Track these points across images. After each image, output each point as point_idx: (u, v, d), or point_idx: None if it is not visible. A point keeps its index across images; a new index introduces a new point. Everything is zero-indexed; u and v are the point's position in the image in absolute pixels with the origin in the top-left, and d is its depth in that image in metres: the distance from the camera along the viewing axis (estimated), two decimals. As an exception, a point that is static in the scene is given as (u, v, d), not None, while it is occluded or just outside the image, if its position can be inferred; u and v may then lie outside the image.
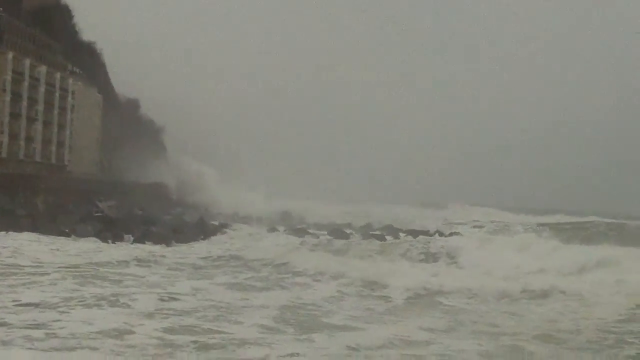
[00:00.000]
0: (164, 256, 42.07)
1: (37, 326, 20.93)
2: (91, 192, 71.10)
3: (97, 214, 60.21)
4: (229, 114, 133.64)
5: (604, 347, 20.89)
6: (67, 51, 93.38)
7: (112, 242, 49.65)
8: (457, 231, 67.26)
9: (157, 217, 65.02)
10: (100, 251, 43.45)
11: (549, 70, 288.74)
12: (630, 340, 21.64)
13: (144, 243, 49.87)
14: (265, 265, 38.52)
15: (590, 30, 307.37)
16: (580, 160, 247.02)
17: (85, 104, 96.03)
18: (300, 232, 66.33)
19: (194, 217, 68.68)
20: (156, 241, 50.53)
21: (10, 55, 75.81)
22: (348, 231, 67.77)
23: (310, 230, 68.50)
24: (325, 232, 65.77)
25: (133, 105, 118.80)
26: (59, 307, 23.99)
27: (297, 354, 18.98)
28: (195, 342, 19.98)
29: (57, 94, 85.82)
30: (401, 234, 63.55)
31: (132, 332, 20.64)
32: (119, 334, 20.37)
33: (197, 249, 48.68)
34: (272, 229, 68.55)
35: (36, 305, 24.08)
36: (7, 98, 75.50)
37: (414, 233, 62.54)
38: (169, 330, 21.20)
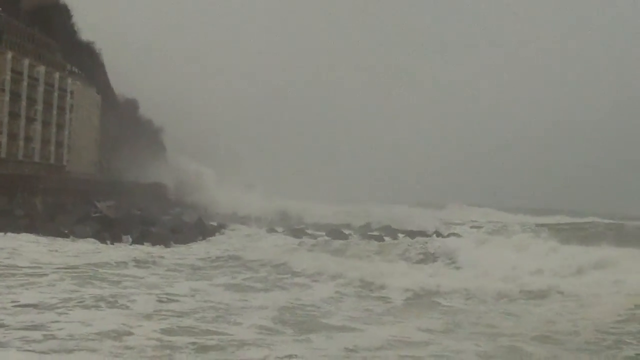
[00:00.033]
0: (162, 257, 42.06)
1: (35, 327, 20.94)
2: (90, 193, 70.99)
3: (95, 215, 60.13)
4: (229, 114, 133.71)
5: (602, 348, 20.91)
6: (65, 51, 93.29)
7: (111, 243, 49.67)
8: (455, 232, 67.35)
9: (155, 218, 65.02)
10: (98, 252, 43.45)
11: (549, 70, 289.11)
12: (628, 341, 21.67)
13: (142, 244, 49.89)
14: (264, 265, 38.54)
15: (590, 30, 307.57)
16: (579, 160, 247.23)
17: (84, 104, 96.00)
18: (298, 232, 66.38)
19: (193, 218, 68.63)
20: (155, 242, 50.54)
21: (9, 55, 75.74)
22: (347, 232, 67.79)
23: (308, 231, 68.55)
24: (324, 233, 65.80)
25: (132, 105, 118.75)
26: (58, 308, 24.00)
27: (296, 356, 19.00)
28: (194, 343, 20.00)
29: (56, 94, 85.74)
30: (400, 235, 63.55)
31: (130, 334, 20.64)
32: (117, 335, 20.37)
33: (196, 250, 48.70)
34: (271, 230, 68.60)
35: (34, 306, 24.09)
36: (6, 98, 75.40)
37: (413, 234, 62.61)
38: (168, 332, 21.21)
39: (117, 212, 63.02)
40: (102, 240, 50.12)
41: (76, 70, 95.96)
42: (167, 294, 27.97)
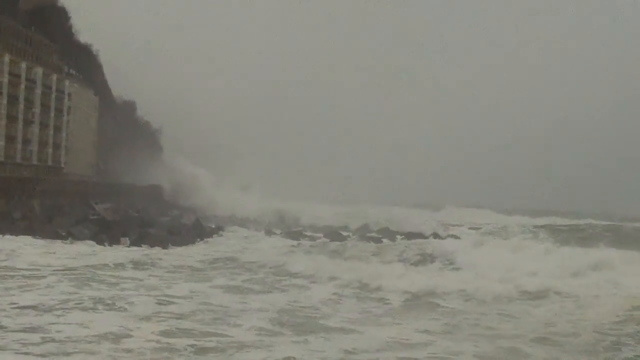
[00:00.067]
0: (160, 259, 42.00)
1: (33, 330, 20.89)
2: (87, 194, 71.03)
3: (93, 217, 60.07)
4: (228, 114, 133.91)
5: (600, 350, 20.93)
6: (63, 53, 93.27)
7: (109, 245, 49.56)
8: (453, 233, 67.36)
9: (153, 220, 64.96)
10: (96, 254, 43.38)
11: (549, 70, 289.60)
12: (627, 342, 21.69)
13: (140, 246, 49.80)
14: (262, 267, 38.51)
15: (590, 30, 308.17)
16: (579, 160, 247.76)
17: (81, 106, 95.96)
18: (297, 234, 66.38)
19: (191, 220, 68.62)
20: (153, 244, 50.46)
21: (6, 57, 75.65)
22: (345, 233, 67.77)
23: (307, 233, 68.53)
24: (322, 235, 65.81)
25: (130, 107, 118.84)
26: (56, 310, 23.96)
27: (294, 358, 18.99)
28: (193, 345, 19.98)
29: (53, 96, 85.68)
30: (398, 236, 63.56)
31: (129, 336, 20.62)
32: (116, 337, 20.34)
33: (194, 252, 48.61)
34: (269, 232, 68.57)
35: (33, 308, 24.04)
36: (4, 100, 75.31)
37: (411, 235, 62.58)
38: (167, 334, 21.18)
39: (115, 214, 62.96)
40: (100, 242, 50.04)
41: (74, 72, 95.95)
42: (165, 295, 27.95)
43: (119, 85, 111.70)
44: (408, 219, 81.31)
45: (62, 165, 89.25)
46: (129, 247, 49.56)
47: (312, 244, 54.40)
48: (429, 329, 23.45)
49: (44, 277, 31.73)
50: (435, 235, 62.44)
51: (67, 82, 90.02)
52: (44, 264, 36.34)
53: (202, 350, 19.52)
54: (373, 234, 66.88)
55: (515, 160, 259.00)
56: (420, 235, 62.46)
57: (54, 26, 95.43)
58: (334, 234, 65.71)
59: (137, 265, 38.39)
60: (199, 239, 57.43)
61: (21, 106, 78.71)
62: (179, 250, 49.37)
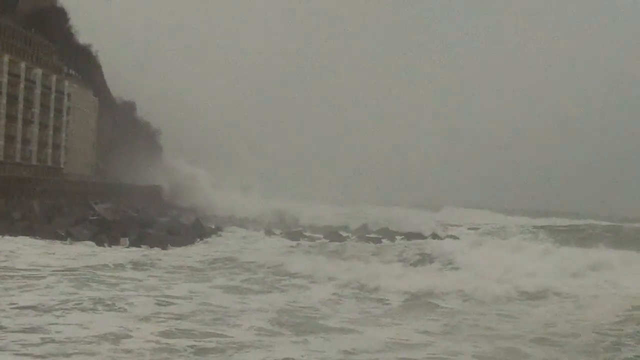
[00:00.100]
0: (160, 259, 41.98)
1: (33, 330, 20.87)
2: (87, 195, 71.06)
3: (93, 217, 60.10)
4: (228, 114, 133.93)
5: (600, 350, 20.94)
6: (63, 53, 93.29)
7: (108, 245, 49.56)
8: (452, 233, 67.39)
9: (152, 220, 64.99)
10: (96, 254, 43.38)
11: (549, 70, 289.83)
12: (627, 342, 21.69)
13: (140, 246, 49.81)
14: (262, 267, 38.51)
15: (590, 30, 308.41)
16: (579, 160, 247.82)
17: (81, 107, 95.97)
18: (296, 234, 66.39)
19: (190, 220, 68.66)
20: (152, 244, 50.46)
21: (6, 57, 75.66)
22: (344, 234, 67.83)
23: (306, 233, 68.55)
24: (321, 235, 65.84)
25: (129, 107, 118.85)
26: (55, 310, 23.95)
27: (294, 358, 18.99)
28: (192, 346, 19.97)
29: (53, 97, 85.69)
30: (397, 237, 63.60)
31: (129, 336, 20.62)
32: (115, 338, 20.33)
33: (194, 252, 48.60)
34: (269, 232, 68.59)
35: (32, 308, 24.04)
36: (3, 100, 75.34)
37: (410, 236, 62.62)
38: (167, 334, 21.18)
39: (114, 214, 62.99)
40: (100, 242, 50.05)
41: (73, 72, 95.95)
42: (165, 296, 27.95)
43: (119, 86, 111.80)
44: (407, 219, 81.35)
45: (62, 166, 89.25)
46: (128, 247, 49.57)
47: (311, 244, 54.43)
48: (428, 329, 23.46)
49: (43, 277, 31.72)
50: (435, 236, 62.49)
51: (66, 83, 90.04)
52: (43, 264, 36.34)
53: (202, 351, 19.52)
54: (372, 234, 66.94)
55: (515, 160, 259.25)
56: (420, 236, 62.50)
57: (53, 27, 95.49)
58: (334, 234, 65.74)
59: (136, 265, 38.38)
60: (198, 239, 57.45)
61: (20, 106, 78.73)
62: (178, 250, 49.38)
